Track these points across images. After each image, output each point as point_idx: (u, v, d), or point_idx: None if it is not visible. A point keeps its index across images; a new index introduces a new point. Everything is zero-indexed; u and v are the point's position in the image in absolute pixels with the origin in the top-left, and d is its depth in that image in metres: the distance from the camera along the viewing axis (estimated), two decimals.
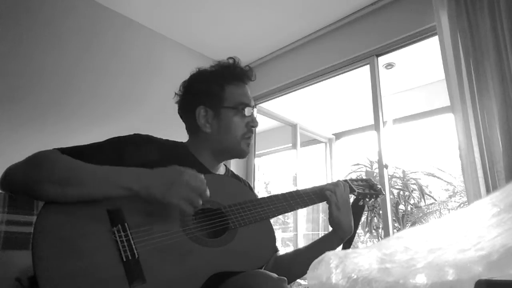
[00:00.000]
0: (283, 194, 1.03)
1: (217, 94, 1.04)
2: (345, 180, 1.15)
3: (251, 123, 1.06)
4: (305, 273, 1.01)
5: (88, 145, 0.92)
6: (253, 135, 1.09)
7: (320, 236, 1.14)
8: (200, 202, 0.80)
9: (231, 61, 1.09)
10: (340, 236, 1.04)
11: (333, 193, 1.05)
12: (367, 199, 1.15)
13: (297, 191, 1.06)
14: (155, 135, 1.03)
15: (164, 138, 1.06)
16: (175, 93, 1.11)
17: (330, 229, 1.07)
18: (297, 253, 1.12)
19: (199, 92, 1.05)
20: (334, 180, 1.12)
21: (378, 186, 1.18)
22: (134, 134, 0.98)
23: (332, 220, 1.04)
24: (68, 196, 0.77)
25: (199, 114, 1.03)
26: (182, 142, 1.09)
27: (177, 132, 1.11)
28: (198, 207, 0.81)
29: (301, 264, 0.97)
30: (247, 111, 1.05)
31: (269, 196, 1.01)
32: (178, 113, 1.12)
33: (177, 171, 0.82)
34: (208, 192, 0.82)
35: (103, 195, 0.78)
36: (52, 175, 0.78)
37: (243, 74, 1.08)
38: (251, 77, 1.09)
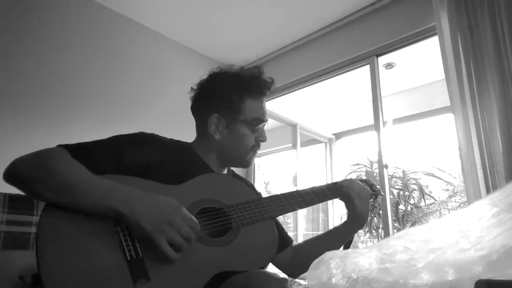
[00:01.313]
0: (284, 194, 1.03)
1: (235, 105, 1.02)
2: None
3: (261, 138, 1.07)
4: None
5: (92, 142, 0.91)
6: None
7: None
8: (186, 247, 0.78)
9: (256, 71, 1.06)
10: (361, 225, 1.07)
11: (351, 188, 1.05)
12: None
13: (300, 191, 1.06)
14: (162, 135, 1.03)
15: (173, 138, 1.06)
16: (191, 88, 1.09)
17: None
18: (316, 240, 1.13)
19: (217, 98, 1.03)
20: (334, 181, 1.12)
21: (377, 186, 1.18)
22: (139, 132, 0.98)
23: (355, 213, 1.05)
24: (62, 205, 0.76)
25: (211, 121, 1.02)
26: (187, 142, 1.08)
27: (186, 133, 1.10)
28: (183, 251, 0.78)
29: (322, 252, 0.97)
30: (260, 126, 1.06)
31: (271, 196, 1.01)
32: (191, 109, 1.10)
33: (172, 208, 0.79)
34: (194, 238, 0.79)
35: (94, 213, 0.77)
36: (49, 182, 0.77)
37: (265, 87, 1.06)
38: (271, 89, 1.08)
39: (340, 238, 1.08)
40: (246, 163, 1.07)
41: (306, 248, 1.12)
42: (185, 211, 0.80)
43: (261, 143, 1.09)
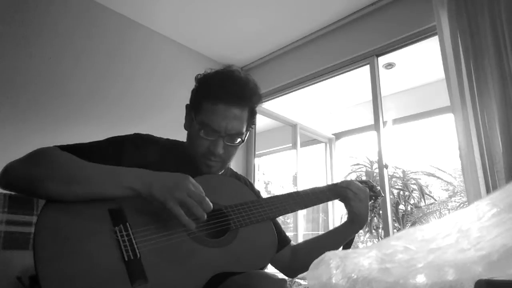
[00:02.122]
0: (283, 195, 1.03)
1: (195, 104, 0.99)
2: None
3: (211, 147, 0.95)
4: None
5: (87, 143, 0.91)
6: (218, 161, 0.98)
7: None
8: (201, 213, 0.76)
9: (225, 74, 0.98)
10: (360, 226, 1.06)
11: (350, 189, 1.05)
12: None
13: (299, 192, 1.06)
14: (162, 135, 1.03)
15: (169, 138, 1.06)
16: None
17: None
18: (316, 241, 1.13)
19: (191, 93, 1.03)
20: (335, 181, 1.12)
21: (377, 187, 1.18)
22: (134, 133, 0.98)
23: (354, 213, 1.04)
24: (71, 194, 0.76)
25: (186, 113, 1.04)
26: (183, 141, 1.09)
27: (185, 133, 1.10)
28: (200, 218, 0.76)
29: (321, 253, 0.98)
30: (210, 135, 0.94)
31: (270, 197, 1.01)
32: None
33: (182, 175, 0.80)
34: (211, 205, 0.78)
35: (106, 194, 0.77)
36: (54, 173, 0.77)
37: (223, 93, 0.93)
38: (236, 97, 0.95)
39: (340, 239, 1.08)
40: (199, 167, 0.98)
41: (305, 249, 1.11)
42: (193, 180, 0.81)
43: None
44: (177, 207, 0.76)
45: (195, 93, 1.01)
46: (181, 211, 0.76)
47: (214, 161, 0.98)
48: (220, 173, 1.09)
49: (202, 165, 0.98)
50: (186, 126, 1.04)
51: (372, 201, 1.16)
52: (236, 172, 1.20)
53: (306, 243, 1.15)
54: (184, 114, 1.05)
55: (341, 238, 1.07)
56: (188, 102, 1.06)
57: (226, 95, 0.93)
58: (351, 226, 1.06)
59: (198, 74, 1.04)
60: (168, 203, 0.76)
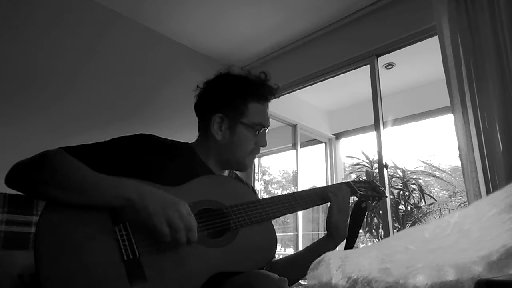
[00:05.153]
0: (283, 196, 1.03)
1: (238, 108, 1.03)
2: (348, 182, 1.14)
3: (260, 143, 1.07)
4: (301, 277, 1.01)
5: (93, 144, 0.92)
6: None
7: (319, 236, 1.14)
8: (184, 239, 0.77)
9: (262, 76, 1.08)
10: (336, 240, 1.03)
11: (335, 195, 1.03)
12: (370, 201, 1.14)
13: (298, 193, 1.06)
14: (161, 135, 1.03)
15: (173, 140, 1.06)
16: (197, 86, 1.10)
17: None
18: (293, 258, 1.11)
19: (221, 100, 1.04)
20: (335, 181, 1.12)
21: (381, 188, 1.17)
22: (139, 134, 0.98)
23: (330, 222, 1.02)
24: (70, 201, 0.77)
25: (214, 121, 1.03)
26: (187, 142, 1.09)
27: (185, 133, 1.10)
28: (180, 242, 0.77)
29: (298, 269, 0.99)
30: (262, 131, 1.06)
31: (270, 197, 1.01)
32: (195, 107, 1.10)
33: (178, 200, 0.80)
34: (196, 237, 0.79)
35: (103, 204, 0.78)
36: (56, 180, 0.79)
37: (269, 93, 1.08)
38: (275, 96, 1.10)
39: (316, 256, 1.04)
40: (244, 167, 1.07)
41: (283, 268, 1.05)
42: (189, 209, 0.81)
43: (261, 148, 1.09)
44: (163, 224, 0.76)
45: (235, 98, 1.03)
46: (166, 229, 0.76)
47: (256, 154, 1.09)
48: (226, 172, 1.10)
49: (248, 162, 1.07)
50: (220, 133, 1.03)
51: (376, 202, 1.15)
52: (238, 175, 1.20)
53: (284, 261, 1.11)
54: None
55: (320, 253, 1.04)
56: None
57: (268, 94, 1.08)
58: (329, 240, 1.03)
59: (219, 79, 1.07)
60: (155, 218, 0.75)
